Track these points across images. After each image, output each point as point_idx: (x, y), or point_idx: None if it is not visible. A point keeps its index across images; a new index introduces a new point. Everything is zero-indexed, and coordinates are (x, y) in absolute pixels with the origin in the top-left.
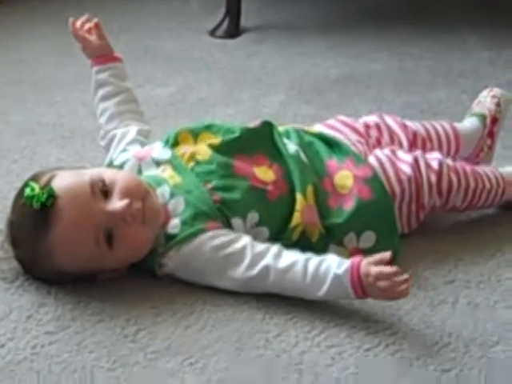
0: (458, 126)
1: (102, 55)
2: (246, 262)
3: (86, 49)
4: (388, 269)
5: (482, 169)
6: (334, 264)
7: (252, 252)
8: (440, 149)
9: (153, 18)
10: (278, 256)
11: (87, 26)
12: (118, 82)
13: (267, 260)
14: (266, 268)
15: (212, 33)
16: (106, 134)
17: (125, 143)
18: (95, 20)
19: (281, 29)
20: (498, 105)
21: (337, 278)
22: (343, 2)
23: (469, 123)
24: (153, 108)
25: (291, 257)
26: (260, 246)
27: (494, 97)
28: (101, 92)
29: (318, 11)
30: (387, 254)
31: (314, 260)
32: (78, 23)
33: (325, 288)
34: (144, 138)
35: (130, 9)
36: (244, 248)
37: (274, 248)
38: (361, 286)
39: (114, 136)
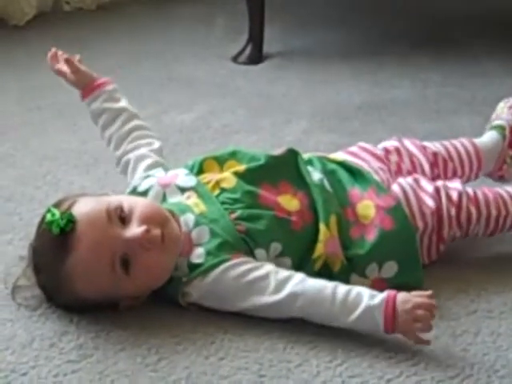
0: (478, 141)
1: (86, 86)
2: (271, 287)
3: (67, 82)
4: (431, 300)
5: (508, 191)
6: (365, 293)
7: (276, 278)
8: (462, 168)
9: (177, 45)
10: (303, 281)
11: (61, 58)
12: (112, 106)
13: (293, 284)
14: (294, 293)
15: (235, 59)
16: (119, 160)
17: (142, 169)
18: (64, 56)
19: (303, 55)
20: None
21: (369, 310)
22: (366, 28)
23: (488, 137)
24: (176, 134)
25: (318, 282)
26: (284, 272)
27: (511, 107)
28: (100, 122)
29: (341, 38)
30: (429, 292)
31: (342, 287)
32: (52, 58)
33: (354, 316)
34: (159, 156)
35: (154, 35)
36: (267, 274)
37: (299, 274)
38: (393, 317)
39: (128, 161)
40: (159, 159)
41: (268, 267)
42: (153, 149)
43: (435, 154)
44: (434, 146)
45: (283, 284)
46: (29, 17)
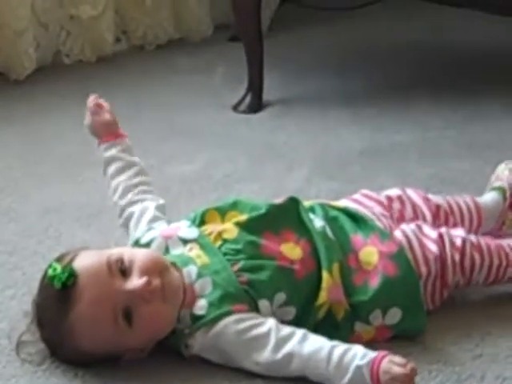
0: (479, 199)
1: (110, 133)
2: (271, 345)
3: (95, 124)
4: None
5: (508, 243)
6: (358, 354)
7: (276, 336)
8: (462, 223)
9: (177, 95)
10: (303, 341)
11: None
12: (126, 158)
13: (292, 345)
14: (290, 353)
15: (235, 108)
16: (123, 210)
17: (146, 221)
18: (102, 102)
19: (303, 102)
20: None
21: (358, 369)
22: (366, 74)
23: (489, 197)
24: (178, 185)
25: (316, 343)
26: (285, 330)
27: (511, 170)
28: (111, 168)
29: (341, 84)
30: (412, 365)
31: (339, 348)
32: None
33: (347, 378)
34: (162, 213)
35: (154, 86)
36: (269, 332)
37: (299, 332)
38: (378, 381)
39: (132, 214)
40: (162, 215)
41: (269, 324)
42: (157, 205)
43: (438, 206)
44: (436, 198)
45: (283, 343)
46: (29, 71)
